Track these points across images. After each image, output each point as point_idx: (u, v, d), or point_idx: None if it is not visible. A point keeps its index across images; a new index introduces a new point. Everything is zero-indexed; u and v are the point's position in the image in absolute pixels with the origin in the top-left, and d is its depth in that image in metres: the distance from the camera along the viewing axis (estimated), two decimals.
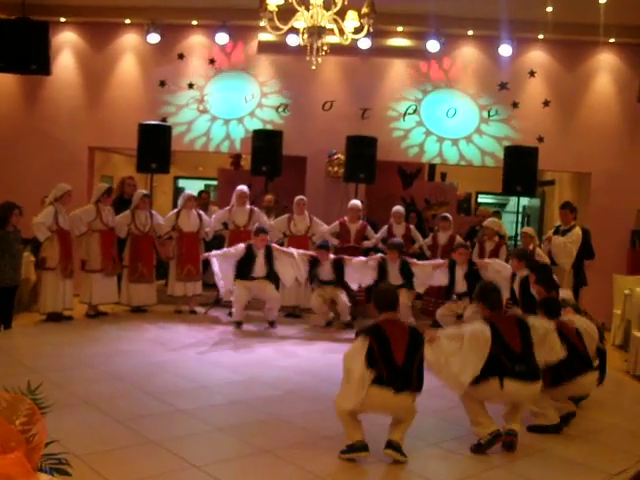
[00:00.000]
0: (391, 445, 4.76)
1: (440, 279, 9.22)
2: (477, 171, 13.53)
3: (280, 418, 5.61)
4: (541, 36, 11.43)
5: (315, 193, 11.60)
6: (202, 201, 11.49)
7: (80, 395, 5.91)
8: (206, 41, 11.91)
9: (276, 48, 11.74)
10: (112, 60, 11.99)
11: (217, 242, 10.37)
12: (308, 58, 7.14)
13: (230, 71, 11.99)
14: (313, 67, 7.20)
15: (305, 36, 7.00)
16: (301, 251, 9.56)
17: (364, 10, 7.14)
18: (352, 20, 7.32)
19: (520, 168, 10.52)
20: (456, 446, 5.16)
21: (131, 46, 11.96)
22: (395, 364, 4.65)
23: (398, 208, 10.38)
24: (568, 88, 11.60)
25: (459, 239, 10.12)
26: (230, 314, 9.57)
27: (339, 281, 9.42)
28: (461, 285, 9.04)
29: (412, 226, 10.47)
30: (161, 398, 5.95)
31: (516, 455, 5.05)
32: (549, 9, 10.32)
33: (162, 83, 11.91)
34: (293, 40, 11.19)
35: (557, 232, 9.54)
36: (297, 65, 11.79)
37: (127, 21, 11.81)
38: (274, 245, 9.52)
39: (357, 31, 7.36)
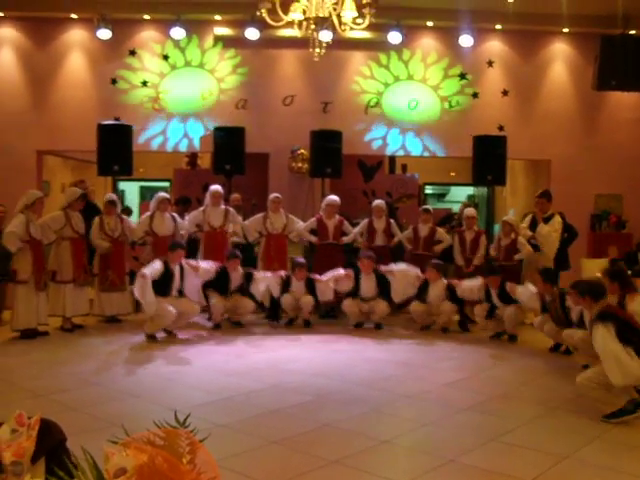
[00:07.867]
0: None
1: (343, 286, 9.29)
2: (425, 162, 13.59)
3: (331, 425, 5.35)
4: (499, 26, 11.56)
5: (279, 190, 11.25)
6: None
7: (102, 417, 5.46)
8: (159, 36, 11.42)
9: (233, 42, 11.41)
10: (58, 58, 11.33)
11: (191, 245, 9.90)
12: (310, 50, 6.92)
13: (185, 67, 11.55)
14: (315, 59, 6.98)
15: (312, 27, 6.75)
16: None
17: (365, 0, 6.97)
18: (350, 10, 7.13)
19: (489, 157, 10.60)
20: (514, 440, 5.07)
21: (79, 42, 11.33)
22: None
23: (379, 202, 10.19)
24: (525, 77, 11.80)
25: (440, 231, 10.12)
26: (209, 318, 9.29)
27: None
28: (366, 291, 9.21)
29: (392, 220, 10.31)
30: (191, 414, 5.56)
31: (579, 444, 5.00)
32: (510, 0, 10.44)
33: (114, 81, 11.34)
34: (251, 34, 10.93)
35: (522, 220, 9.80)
36: (255, 59, 11.53)
37: (73, 16, 11.16)
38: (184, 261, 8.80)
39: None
